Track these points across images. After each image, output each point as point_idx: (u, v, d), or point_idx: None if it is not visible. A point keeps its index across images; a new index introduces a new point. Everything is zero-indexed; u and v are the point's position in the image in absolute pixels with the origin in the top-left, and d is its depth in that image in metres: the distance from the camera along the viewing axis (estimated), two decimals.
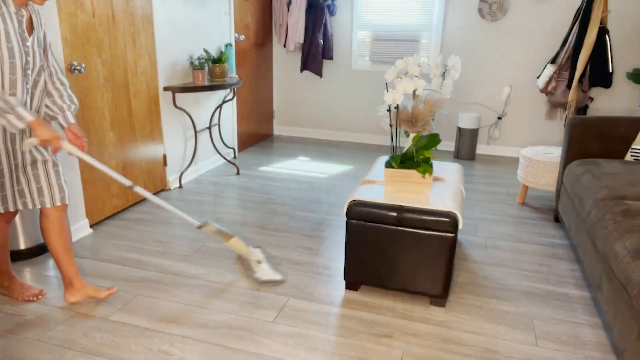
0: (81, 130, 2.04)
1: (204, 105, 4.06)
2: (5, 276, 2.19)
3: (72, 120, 2.03)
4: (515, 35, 4.55)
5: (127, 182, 2.07)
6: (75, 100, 2.05)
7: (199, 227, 2.25)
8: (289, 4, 4.98)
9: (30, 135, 1.93)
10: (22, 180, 1.97)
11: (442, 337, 2.00)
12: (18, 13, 1.77)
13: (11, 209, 1.98)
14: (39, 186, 1.98)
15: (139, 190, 2.09)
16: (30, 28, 1.84)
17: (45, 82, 1.97)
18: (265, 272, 2.40)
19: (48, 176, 1.99)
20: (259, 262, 2.45)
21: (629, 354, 1.66)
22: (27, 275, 2.41)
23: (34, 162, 1.96)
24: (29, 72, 1.85)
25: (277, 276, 2.38)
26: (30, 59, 1.84)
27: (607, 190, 2.30)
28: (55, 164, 2.02)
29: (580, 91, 4.18)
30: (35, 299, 2.18)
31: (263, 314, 2.12)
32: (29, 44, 1.82)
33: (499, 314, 2.16)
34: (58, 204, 2.02)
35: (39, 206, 2.00)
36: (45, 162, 1.99)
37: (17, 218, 2.51)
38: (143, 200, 3.45)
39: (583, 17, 4.01)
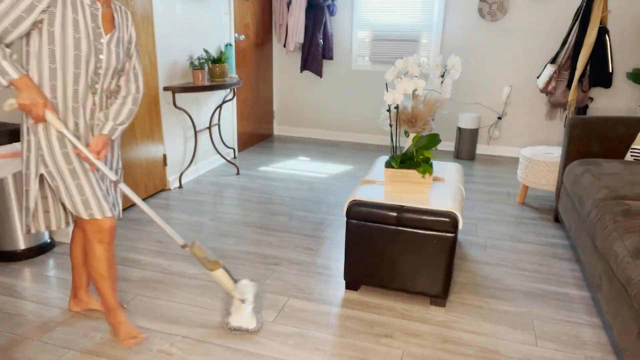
0: (105, 145, 1.78)
1: (204, 105, 4.06)
2: (110, 313, 1.91)
3: (107, 131, 1.79)
4: (515, 35, 4.55)
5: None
6: (129, 117, 1.84)
7: (183, 247, 1.92)
8: (289, 4, 4.98)
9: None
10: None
11: (442, 337, 2.00)
12: (92, 6, 1.64)
13: (115, 212, 1.85)
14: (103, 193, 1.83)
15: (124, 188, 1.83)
16: (110, 26, 1.70)
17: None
18: (241, 316, 2.01)
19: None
20: (242, 301, 2.01)
21: (629, 354, 1.66)
22: (27, 275, 2.41)
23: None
24: (100, 71, 1.71)
25: (250, 324, 1.99)
26: (103, 57, 1.69)
27: (607, 190, 2.30)
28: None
29: (580, 91, 4.18)
30: (135, 341, 1.91)
31: (263, 314, 2.12)
32: (102, 40, 1.67)
33: (499, 314, 2.16)
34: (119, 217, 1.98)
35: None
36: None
37: (17, 218, 2.51)
38: (143, 200, 3.45)
39: (583, 17, 4.01)
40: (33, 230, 1.81)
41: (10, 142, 2.36)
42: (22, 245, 2.55)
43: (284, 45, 5.17)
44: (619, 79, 4.40)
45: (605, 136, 2.92)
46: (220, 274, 1.95)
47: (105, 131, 1.78)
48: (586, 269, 2.30)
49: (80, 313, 2.11)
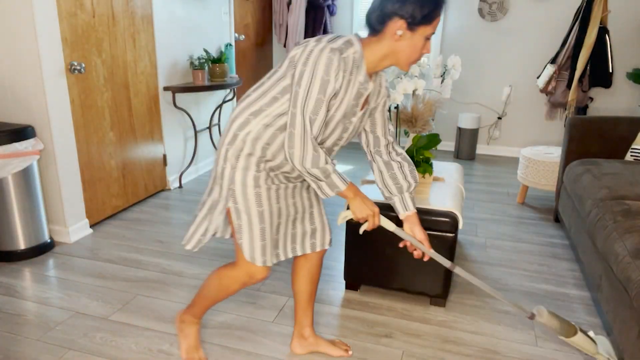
0: (425, 234, 1.65)
1: (204, 105, 4.06)
2: (191, 317, 1.81)
3: (412, 207, 1.64)
4: (515, 35, 4.55)
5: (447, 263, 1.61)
6: (417, 177, 1.67)
7: (531, 317, 1.61)
8: (289, 4, 4.98)
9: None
10: (298, 224, 1.67)
11: (442, 337, 2.00)
12: (363, 86, 1.45)
13: (282, 258, 1.65)
14: (313, 227, 1.70)
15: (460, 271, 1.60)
16: (365, 102, 1.51)
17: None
18: None
19: (322, 215, 1.72)
20: None
21: (629, 354, 1.66)
22: (27, 275, 2.41)
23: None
24: (336, 147, 1.58)
25: None
26: (345, 135, 1.53)
27: (607, 190, 2.30)
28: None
29: (580, 91, 4.18)
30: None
31: (263, 314, 2.12)
32: (354, 119, 1.50)
33: (499, 314, 2.16)
34: (327, 247, 1.75)
35: (309, 250, 1.71)
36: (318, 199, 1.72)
37: (17, 218, 2.51)
38: (143, 200, 3.45)
39: (583, 17, 4.01)
40: (189, 247, 1.63)
41: (10, 142, 2.36)
42: (22, 245, 2.55)
43: (284, 45, 5.17)
44: (619, 79, 4.40)
45: (605, 136, 2.92)
46: (581, 339, 1.64)
47: (412, 206, 1.65)
48: (586, 269, 2.30)
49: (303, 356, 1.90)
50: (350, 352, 1.88)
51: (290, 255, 1.67)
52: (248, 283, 1.61)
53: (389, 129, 1.66)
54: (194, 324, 1.81)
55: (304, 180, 1.62)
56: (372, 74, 1.48)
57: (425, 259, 1.63)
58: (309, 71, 1.35)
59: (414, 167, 1.67)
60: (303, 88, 1.36)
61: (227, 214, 1.55)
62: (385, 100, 1.61)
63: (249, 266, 1.56)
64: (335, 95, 1.39)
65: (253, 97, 1.49)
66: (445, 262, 1.58)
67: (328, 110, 1.42)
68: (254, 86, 1.53)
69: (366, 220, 1.53)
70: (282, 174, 1.55)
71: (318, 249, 1.72)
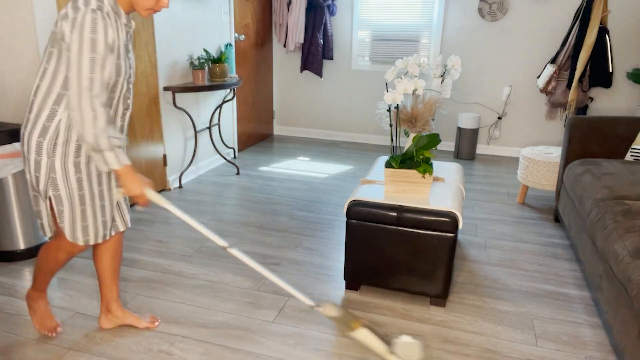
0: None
1: (204, 105, 4.06)
2: (38, 294, 1.95)
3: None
4: (515, 35, 4.55)
5: (223, 243, 1.69)
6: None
7: (314, 307, 1.68)
8: (289, 4, 4.98)
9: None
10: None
11: (442, 337, 1.99)
12: (128, 24, 1.62)
13: (107, 237, 1.78)
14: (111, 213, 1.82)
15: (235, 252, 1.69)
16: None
17: None
18: None
19: (126, 198, 1.88)
20: (391, 351, 1.62)
21: (629, 354, 1.66)
22: (26, 275, 2.41)
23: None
24: (131, 85, 1.70)
25: None
26: (132, 71, 1.68)
27: (607, 190, 2.30)
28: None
29: (580, 91, 4.18)
30: (50, 334, 1.94)
31: (263, 314, 2.12)
32: (130, 55, 1.67)
33: (499, 314, 2.16)
34: (129, 226, 1.90)
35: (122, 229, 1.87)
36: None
37: (17, 218, 2.51)
38: None
39: (583, 17, 4.01)
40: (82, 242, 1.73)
41: (10, 142, 2.35)
42: (22, 245, 2.55)
43: (284, 45, 5.17)
44: (619, 79, 4.40)
45: (605, 136, 2.92)
46: (364, 334, 1.61)
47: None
48: (586, 269, 2.30)
49: (112, 330, 2.00)
50: (156, 324, 2.03)
51: (113, 233, 1.82)
52: (73, 252, 1.77)
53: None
54: (40, 298, 1.95)
55: None
56: (129, 13, 1.63)
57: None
58: (77, 35, 1.45)
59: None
60: (74, 52, 1.46)
61: (50, 202, 1.66)
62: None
63: (72, 244, 1.73)
64: (112, 50, 1.52)
65: (45, 85, 1.57)
66: (222, 242, 1.67)
67: (118, 60, 1.56)
68: (39, 75, 1.59)
69: (134, 196, 1.64)
70: None
71: (129, 226, 1.91)
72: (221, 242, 1.67)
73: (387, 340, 1.63)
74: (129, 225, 1.90)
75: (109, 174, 1.72)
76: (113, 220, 1.81)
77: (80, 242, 1.70)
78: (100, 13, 1.47)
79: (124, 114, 1.71)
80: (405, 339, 1.63)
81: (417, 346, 1.62)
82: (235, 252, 1.67)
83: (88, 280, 2.38)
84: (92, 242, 1.72)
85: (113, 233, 1.82)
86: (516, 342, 1.97)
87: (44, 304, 1.96)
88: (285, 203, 3.45)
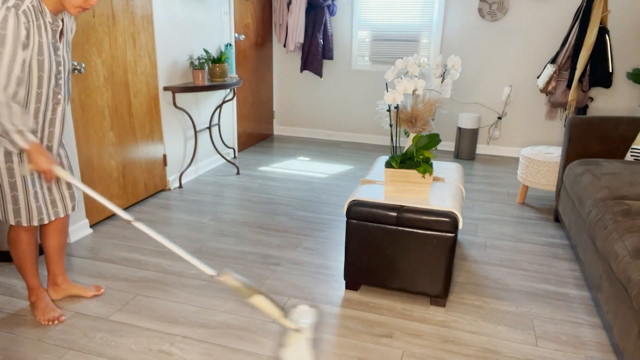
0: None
1: (204, 105, 4.06)
2: (34, 291, 2.09)
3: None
4: (515, 35, 4.55)
5: (128, 217, 1.77)
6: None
7: (214, 277, 1.72)
8: (289, 4, 4.98)
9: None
10: (54, 190, 1.97)
11: (442, 337, 2.00)
12: (54, 24, 1.73)
13: (46, 221, 1.93)
14: (52, 198, 1.96)
15: (141, 226, 1.77)
16: (61, 34, 1.80)
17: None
18: (296, 350, 1.67)
19: (60, 186, 2.00)
20: (297, 330, 1.68)
21: (629, 354, 1.66)
22: None
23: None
24: (61, 81, 1.82)
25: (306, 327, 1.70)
26: (61, 67, 1.80)
27: (607, 190, 2.30)
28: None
29: (580, 91, 4.18)
30: (51, 323, 2.04)
31: (263, 314, 2.12)
32: (60, 52, 1.78)
33: (499, 314, 2.16)
34: (75, 210, 2.06)
35: (69, 212, 2.03)
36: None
37: None
38: (143, 200, 3.45)
39: (583, 17, 4.01)
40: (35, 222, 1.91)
41: None
42: None
43: (284, 45, 5.17)
44: (619, 79, 4.40)
45: (605, 136, 2.92)
46: (260, 301, 1.70)
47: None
48: (586, 269, 2.30)
49: (76, 304, 2.12)
50: (102, 290, 2.24)
51: (53, 218, 1.96)
52: (20, 235, 1.93)
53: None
54: (37, 292, 2.07)
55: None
56: (59, 13, 1.74)
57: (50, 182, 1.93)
58: None
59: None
60: None
61: None
62: (73, 31, 1.90)
63: (14, 228, 1.92)
64: (26, 46, 1.61)
65: None
66: (127, 216, 1.75)
67: (41, 57, 1.66)
68: None
69: (41, 171, 1.77)
70: None
71: (70, 212, 2.03)
72: (126, 216, 1.76)
73: (283, 308, 1.72)
74: (70, 211, 2.02)
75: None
76: (54, 206, 1.96)
77: (12, 222, 1.85)
78: (15, 10, 1.57)
79: (54, 108, 1.84)
80: (301, 307, 1.78)
81: (311, 312, 1.77)
82: (140, 225, 1.76)
83: (88, 280, 2.38)
84: (24, 224, 1.87)
85: (53, 218, 1.96)
86: (516, 342, 1.97)
87: (42, 298, 2.08)
88: (285, 203, 3.45)
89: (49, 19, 1.69)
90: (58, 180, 1.97)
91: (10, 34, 1.56)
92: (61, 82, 1.82)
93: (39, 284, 2.09)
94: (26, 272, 2.04)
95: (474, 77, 4.78)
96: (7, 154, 1.76)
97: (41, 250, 2.60)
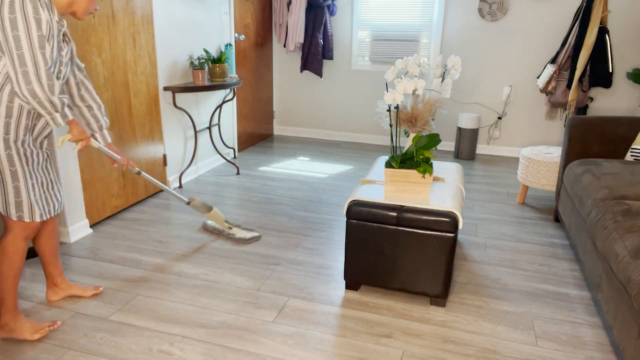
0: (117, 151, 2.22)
1: (204, 105, 4.06)
2: (9, 314, 1.90)
3: (109, 139, 2.15)
4: (515, 35, 4.55)
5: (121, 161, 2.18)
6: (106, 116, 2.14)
7: (188, 203, 2.67)
8: (289, 4, 4.98)
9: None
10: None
11: (442, 337, 2.00)
12: (60, 22, 1.76)
13: (46, 217, 1.89)
14: (45, 195, 1.93)
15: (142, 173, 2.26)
16: (64, 39, 1.83)
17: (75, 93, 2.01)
18: (242, 232, 2.86)
19: (58, 182, 2.01)
20: (230, 227, 2.92)
21: (629, 354, 1.66)
22: (26, 274, 2.41)
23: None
24: (61, 81, 1.84)
25: (254, 233, 2.88)
26: (63, 68, 1.81)
27: (607, 190, 2.30)
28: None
29: (580, 91, 4.18)
30: (49, 329, 1.96)
31: (263, 314, 2.12)
32: (63, 53, 1.80)
33: (499, 314, 2.16)
34: (58, 211, 2.01)
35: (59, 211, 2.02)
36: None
37: None
38: (143, 200, 3.45)
39: (583, 17, 4.01)
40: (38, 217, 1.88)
41: None
42: None
43: (284, 45, 5.17)
44: (619, 79, 4.40)
45: (605, 136, 2.92)
46: (215, 213, 2.84)
47: (109, 139, 2.17)
48: (586, 269, 2.30)
49: (60, 301, 2.16)
50: (101, 289, 2.25)
51: (53, 214, 1.93)
52: (29, 237, 1.87)
53: (81, 69, 2.00)
54: (14, 318, 1.90)
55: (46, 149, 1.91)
56: (63, 16, 1.78)
57: (125, 167, 2.21)
58: (20, 16, 1.54)
59: (103, 107, 2.09)
60: (22, 30, 1.55)
61: None
62: (73, 46, 1.90)
63: (17, 235, 1.84)
64: (51, 32, 1.64)
65: None
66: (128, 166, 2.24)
67: (53, 48, 1.68)
68: None
69: (80, 140, 1.90)
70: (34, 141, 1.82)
71: (59, 211, 2.00)
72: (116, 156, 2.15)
73: (229, 223, 2.98)
74: (59, 210, 1.99)
75: (39, 154, 1.85)
76: (48, 204, 1.91)
77: (14, 217, 1.79)
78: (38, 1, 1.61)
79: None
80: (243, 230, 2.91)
81: (252, 235, 2.85)
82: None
83: (88, 280, 2.38)
84: (27, 219, 1.82)
85: (53, 214, 1.93)
86: (516, 342, 1.97)
87: (20, 321, 1.92)
88: (285, 203, 3.45)
89: (56, 17, 1.72)
90: (45, 180, 1.90)
91: (44, 18, 1.60)
92: (61, 82, 1.83)
93: (17, 309, 1.93)
94: (9, 290, 1.87)
95: (474, 77, 4.78)
96: (6, 141, 1.70)
97: (33, 253, 2.61)
